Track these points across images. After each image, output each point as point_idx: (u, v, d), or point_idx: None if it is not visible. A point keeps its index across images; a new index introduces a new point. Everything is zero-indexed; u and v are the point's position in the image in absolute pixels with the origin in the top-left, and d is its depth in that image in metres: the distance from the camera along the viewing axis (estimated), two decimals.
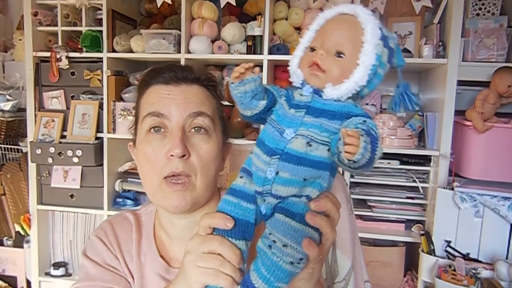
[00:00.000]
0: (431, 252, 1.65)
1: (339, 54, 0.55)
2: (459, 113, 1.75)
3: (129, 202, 2.01)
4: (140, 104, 0.74)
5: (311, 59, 0.56)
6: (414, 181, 1.80)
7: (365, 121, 0.52)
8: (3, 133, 2.15)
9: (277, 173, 0.53)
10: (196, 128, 0.69)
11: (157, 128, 0.69)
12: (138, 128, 0.74)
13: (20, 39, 2.18)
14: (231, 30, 1.83)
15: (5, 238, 2.19)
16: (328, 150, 0.52)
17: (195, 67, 0.75)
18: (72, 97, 1.97)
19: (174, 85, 0.70)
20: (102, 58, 1.91)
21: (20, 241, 2.14)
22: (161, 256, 0.76)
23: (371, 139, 0.48)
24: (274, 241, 0.53)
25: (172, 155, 0.65)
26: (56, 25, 1.95)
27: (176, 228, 0.75)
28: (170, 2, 1.83)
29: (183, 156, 0.66)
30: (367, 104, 2.00)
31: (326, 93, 0.55)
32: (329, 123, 0.53)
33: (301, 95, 0.57)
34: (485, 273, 1.53)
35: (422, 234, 1.71)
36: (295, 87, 0.59)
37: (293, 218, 0.53)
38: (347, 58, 0.55)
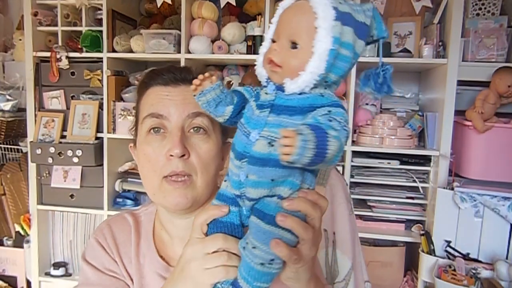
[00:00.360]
0: (431, 252, 1.65)
1: (294, 45, 0.53)
2: (459, 113, 1.75)
3: (129, 202, 2.01)
4: (140, 105, 0.75)
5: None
6: (414, 181, 1.80)
7: (329, 111, 0.50)
8: (3, 133, 2.15)
9: (247, 176, 0.53)
10: (195, 128, 0.70)
11: (156, 129, 0.70)
12: (138, 129, 0.75)
13: (20, 39, 2.18)
14: (231, 30, 1.83)
15: (5, 238, 2.19)
16: None
17: (193, 68, 0.75)
18: (72, 97, 1.97)
19: (172, 86, 0.71)
20: (102, 58, 1.91)
21: (20, 241, 2.14)
22: (161, 256, 0.77)
23: (318, 134, 0.46)
24: (247, 243, 0.54)
25: (171, 155, 0.66)
26: (56, 25, 1.95)
27: (177, 228, 0.76)
28: (170, 2, 1.83)
29: (183, 156, 0.66)
30: (367, 104, 2.01)
31: (287, 88, 0.53)
32: (289, 120, 0.52)
33: (266, 93, 0.55)
34: (485, 273, 1.53)
35: (422, 234, 1.71)
36: (263, 86, 0.57)
37: (263, 219, 0.53)
38: (302, 48, 0.52)
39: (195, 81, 0.57)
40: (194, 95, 0.58)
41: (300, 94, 0.53)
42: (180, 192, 0.67)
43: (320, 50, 0.50)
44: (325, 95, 0.52)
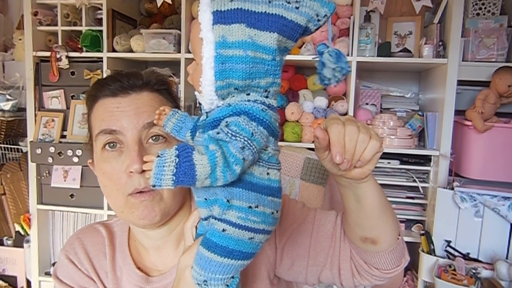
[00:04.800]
0: (431, 252, 1.65)
1: (195, 62, 0.52)
2: (459, 113, 1.75)
3: None
4: (91, 120, 0.70)
5: None
6: (414, 181, 1.80)
7: (226, 122, 0.48)
8: (3, 133, 2.15)
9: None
10: (154, 138, 0.66)
11: (112, 144, 0.66)
12: (93, 145, 0.70)
13: (20, 39, 2.18)
14: None
15: (5, 238, 2.19)
16: None
17: (143, 72, 0.71)
18: (72, 97, 1.97)
19: (122, 96, 0.66)
20: (102, 58, 1.91)
21: (20, 241, 2.14)
22: (139, 268, 0.73)
23: (181, 154, 0.44)
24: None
25: (132, 172, 0.63)
26: (56, 24, 1.95)
27: (150, 239, 0.73)
28: (170, 2, 1.83)
29: (144, 171, 0.64)
30: (367, 104, 2.01)
31: (203, 105, 0.52)
32: (202, 138, 0.50)
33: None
34: (485, 273, 1.53)
35: (422, 234, 1.71)
36: None
37: (202, 241, 0.52)
38: (198, 63, 0.51)
39: (155, 117, 0.61)
40: (162, 126, 0.61)
41: (218, 107, 0.51)
42: (147, 204, 0.64)
43: (204, 61, 0.48)
44: (233, 103, 0.49)
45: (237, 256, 0.50)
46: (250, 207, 0.49)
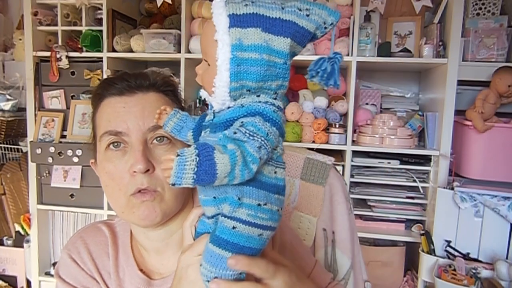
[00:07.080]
0: (431, 252, 1.65)
1: (206, 63, 0.53)
2: (459, 113, 1.75)
3: None
4: (96, 119, 0.71)
5: None
6: (414, 181, 1.80)
7: (242, 122, 0.49)
8: (3, 132, 2.15)
9: (201, 195, 0.56)
10: (158, 138, 0.66)
11: (116, 144, 0.66)
12: (97, 145, 0.70)
13: (20, 39, 2.18)
14: None
15: (5, 238, 2.19)
16: None
17: (150, 73, 0.71)
18: (72, 97, 1.97)
19: (128, 96, 0.67)
20: (102, 57, 1.91)
21: (20, 241, 2.14)
22: (141, 270, 0.73)
23: (201, 153, 0.45)
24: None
25: (135, 171, 0.63)
26: (56, 24, 1.95)
27: (151, 240, 0.72)
28: (170, 2, 1.83)
29: (147, 171, 0.63)
30: (367, 103, 2.01)
31: (214, 105, 0.53)
32: (213, 138, 0.52)
33: (208, 114, 0.56)
34: (485, 273, 1.53)
35: (422, 234, 1.71)
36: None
37: (210, 238, 0.53)
38: (211, 64, 0.52)
39: (155, 116, 0.62)
40: (162, 126, 0.62)
41: (228, 108, 0.52)
42: (148, 204, 0.64)
43: (220, 62, 0.49)
44: (246, 104, 0.51)
45: (247, 252, 0.51)
46: (259, 204, 0.50)
